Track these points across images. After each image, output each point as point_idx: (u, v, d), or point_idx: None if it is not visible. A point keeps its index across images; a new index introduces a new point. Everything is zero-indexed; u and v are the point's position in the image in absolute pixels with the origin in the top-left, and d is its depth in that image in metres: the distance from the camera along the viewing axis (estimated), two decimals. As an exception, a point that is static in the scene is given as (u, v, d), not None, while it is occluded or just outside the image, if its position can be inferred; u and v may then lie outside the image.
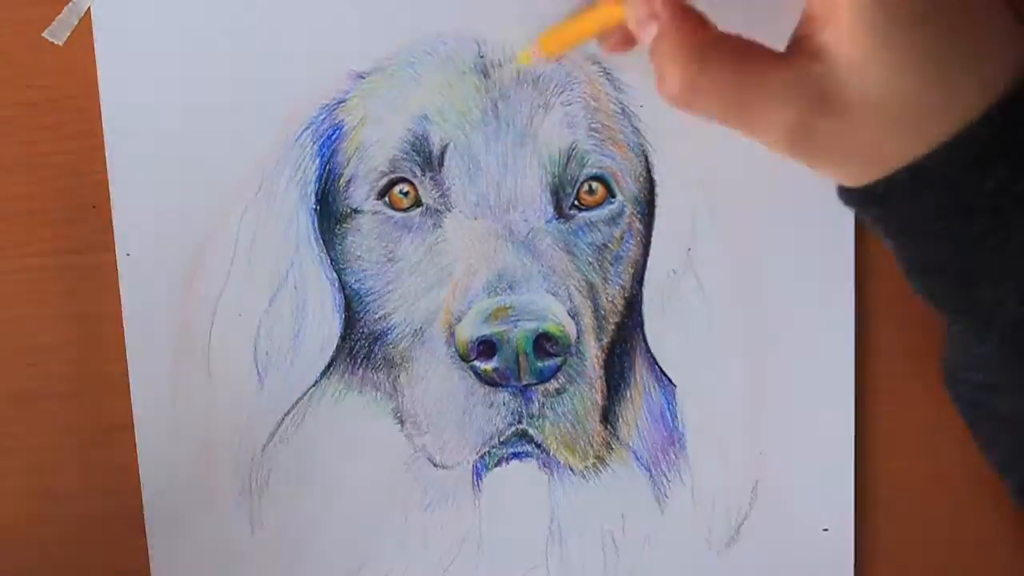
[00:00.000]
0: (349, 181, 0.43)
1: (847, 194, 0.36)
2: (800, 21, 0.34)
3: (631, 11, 0.35)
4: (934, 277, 0.35)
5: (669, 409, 0.45)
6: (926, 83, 0.32)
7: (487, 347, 0.42)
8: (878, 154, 0.33)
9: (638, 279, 0.44)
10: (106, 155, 0.43)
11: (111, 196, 0.43)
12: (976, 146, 0.32)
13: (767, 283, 0.44)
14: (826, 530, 0.45)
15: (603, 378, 0.44)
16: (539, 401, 0.43)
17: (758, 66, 0.33)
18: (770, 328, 0.44)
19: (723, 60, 0.33)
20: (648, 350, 0.44)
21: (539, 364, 0.42)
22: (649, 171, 0.44)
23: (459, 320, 0.42)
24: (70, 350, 0.44)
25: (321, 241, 0.44)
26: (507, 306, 0.42)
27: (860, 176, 0.35)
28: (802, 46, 0.33)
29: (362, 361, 0.44)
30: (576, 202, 0.43)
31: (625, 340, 0.44)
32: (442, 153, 0.43)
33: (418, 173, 0.43)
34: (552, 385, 0.43)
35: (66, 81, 0.43)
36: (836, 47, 0.32)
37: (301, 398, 0.44)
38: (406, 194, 0.43)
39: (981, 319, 0.35)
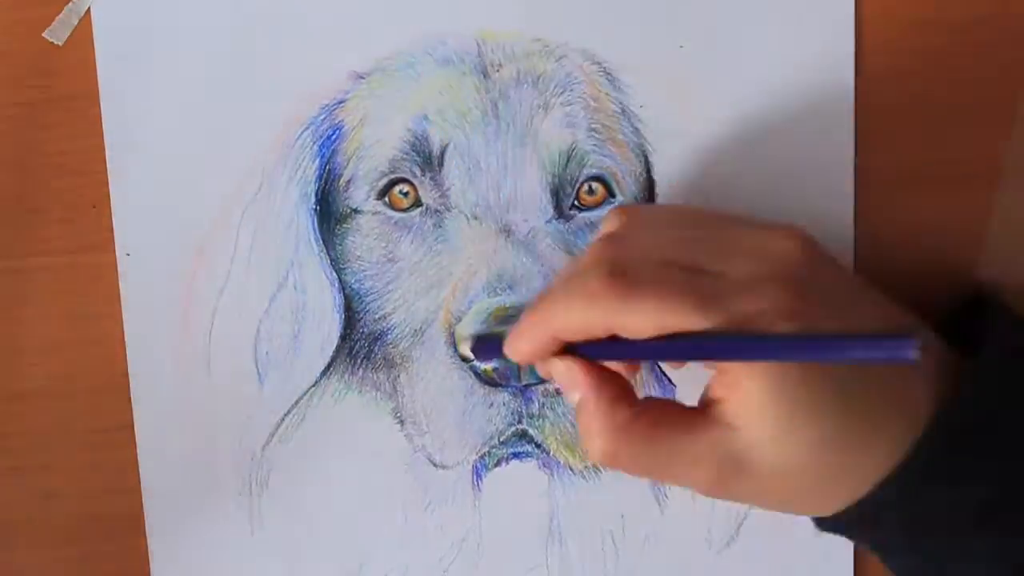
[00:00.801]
0: (349, 181, 0.43)
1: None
2: (710, 385, 0.35)
3: (555, 373, 0.36)
4: None
5: (669, 409, 0.45)
6: (828, 457, 0.34)
7: (487, 347, 0.42)
8: (799, 506, 0.37)
9: (638, 279, 0.44)
10: (106, 155, 0.43)
11: (111, 196, 0.43)
12: (875, 505, 0.35)
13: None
14: (826, 530, 0.45)
15: (603, 378, 0.44)
16: (539, 401, 0.43)
17: (674, 435, 0.35)
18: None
19: (640, 432, 0.35)
20: (648, 350, 0.44)
21: (539, 364, 0.42)
22: (649, 171, 0.44)
23: (459, 320, 0.42)
24: (70, 350, 0.44)
25: (321, 241, 0.44)
26: (507, 306, 0.42)
27: (793, 512, 0.38)
28: (713, 413, 0.35)
29: (362, 361, 0.44)
30: (576, 202, 0.43)
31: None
32: (442, 153, 0.43)
33: (418, 173, 0.43)
34: (552, 385, 0.43)
35: (66, 81, 0.43)
36: (745, 419, 0.34)
37: (301, 398, 0.44)
38: (406, 194, 0.43)
39: None
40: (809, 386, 0.33)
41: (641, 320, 0.33)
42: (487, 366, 0.42)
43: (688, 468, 0.35)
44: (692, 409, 0.36)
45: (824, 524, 0.37)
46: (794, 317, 0.32)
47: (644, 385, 0.45)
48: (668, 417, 0.35)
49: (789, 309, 0.32)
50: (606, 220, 0.38)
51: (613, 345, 0.35)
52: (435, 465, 0.44)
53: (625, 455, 0.35)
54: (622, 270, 0.34)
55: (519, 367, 0.42)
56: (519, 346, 0.36)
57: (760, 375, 0.33)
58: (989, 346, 0.36)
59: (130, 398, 0.44)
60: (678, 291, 0.33)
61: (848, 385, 0.33)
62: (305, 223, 0.44)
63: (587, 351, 0.36)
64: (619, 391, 0.36)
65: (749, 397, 0.33)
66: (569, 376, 0.36)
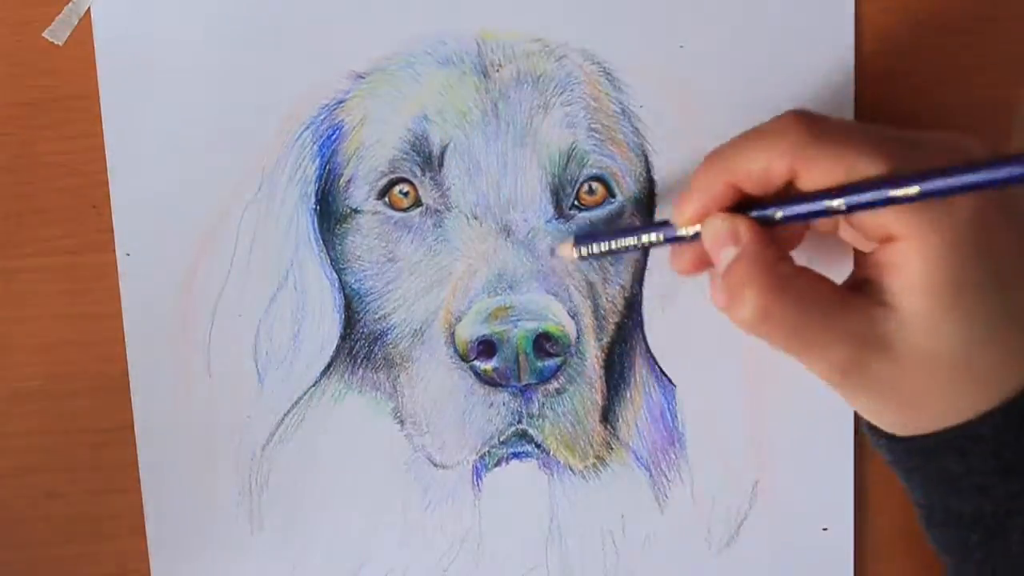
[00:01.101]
0: (349, 181, 0.43)
1: (888, 442, 0.36)
2: (864, 261, 0.35)
3: (710, 229, 0.35)
4: (961, 528, 0.36)
5: (669, 409, 0.45)
6: (985, 343, 0.33)
7: (487, 347, 0.42)
8: (927, 406, 0.34)
9: (638, 279, 0.44)
10: (106, 155, 0.43)
11: (111, 196, 0.43)
12: (1006, 416, 0.33)
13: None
14: (826, 530, 0.45)
15: (603, 378, 0.44)
16: (539, 401, 0.43)
17: (826, 306, 0.34)
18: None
19: (796, 296, 0.34)
20: (648, 350, 0.44)
21: (539, 364, 0.42)
22: (649, 171, 0.44)
23: (459, 320, 0.42)
24: (70, 350, 0.44)
25: (321, 241, 0.44)
26: (507, 306, 0.42)
27: (903, 426, 0.35)
28: (866, 288, 0.34)
29: (362, 361, 0.44)
30: (576, 202, 0.43)
31: (625, 340, 0.44)
32: (442, 153, 0.43)
33: (418, 173, 0.43)
34: (552, 385, 0.43)
35: (66, 81, 0.43)
36: (901, 297, 0.33)
37: (301, 398, 0.44)
38: (406, 194, 0.43)
39: (1005, 570, 0.35)
40: (977, 267, 0.32)
41: (830, 164, 0.32)
42: (487, 366, 0.42)
43: (831, 346, 0.33)
44: (845, 287, 0.35)
45: (899, 444, 0.36)
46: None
47: (644, 386, 0.45)
48: (825, 285, 0.34)
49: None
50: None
51: (790, 200, 0.34)
52: (435, 465, 0.44)
53: (778, 313, 0.34)
54: (815, 116, 0.33)
55: (519, 367, 0.42)
56: (694, 198, 0.35)
57: (926, 252, 0.32)
58: None
59: (130, 398, 0.44)
60: (870, 141, 0.32)
61: (1015, 280, 0.32)
62: (305, 223, 0.44)
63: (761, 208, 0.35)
64: (778, 250, 0.35)
65: (912, 274, 0.32)
66: (730, 228, 0.35)
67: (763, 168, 0.34)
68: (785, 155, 0.33)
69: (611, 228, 0.38)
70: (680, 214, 0.36)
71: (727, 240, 0.35)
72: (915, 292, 0.32)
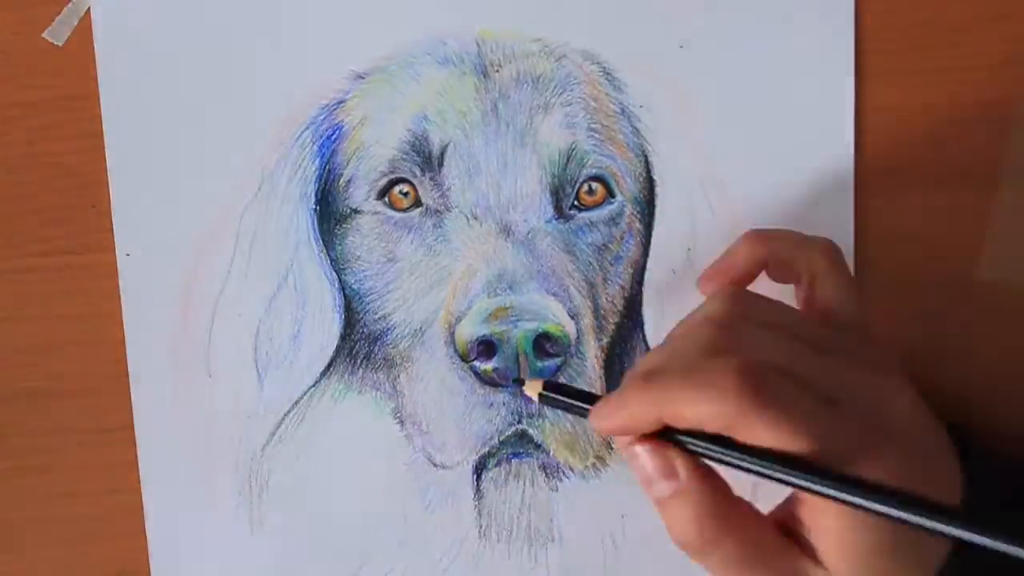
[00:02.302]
0: (349, 181, 0.43)
1: None
2: (789, 512, 0.35)
3: (641, 461, 0.35)
4: None
5: (669, 409, 0.45)
6: None
7: (487, 347, 0.42)
8: None
9: (638, 279, 0.44)
10: (106, 155, 0.43)
11: (111, 196, 0.43)
12: None
13: (766, 283, 0.44)
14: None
15: (603, 378, 0.44)
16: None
17: (765, 549, 0.35)
18: (770, 328, 0.44)
19: (738, 536, 0.34)
20: (648, 350, 0.44)
21: (539, 364, 0.42)
22: (649, 171, 0.44)
23: (459, 320, 0.42)
24: (70, 350, 0.44)
25: (321, 241, 0.44)
26: (507, 306, 0.42)
27: None
28: (800, 540, 0.35)
29: (362, 361, 0.44)
30: (576, 202, 0.43)
31: (625, 340, 0.44)
32: (442, 153, 0.43)
33: (418, 173, 0.43)
34: (552, 385, 0.43)
35: (66, 81, 0.43)
36: (827, 556, 0.34)
37: (301, 398, 0.44)
38: (406, 194, 0.43)
39: None
40: (894, 531, 0.33)
41: (765, 436, 0.32)
42: (487, 366, 0.42)
43: None
44: (779, 521, 0.36)
45: None
46: (903, 482, 0.32)
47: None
48: (764, 525, 0.35)
49: (902, 476, 0.33)
50: (711, 299, 0.36)
51: (714, 442, 0.34)
52: (435, 465, 0.44)
53: (729, 543, 0.34)
54: (758, 377, 0.33)
55: (519, 367, 0.42)
56: (617, 419, 0.34)
57: (844, 521, 0.33)
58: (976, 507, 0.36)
59: (130, 398, 0.44)
60: (809, 424, 0.32)
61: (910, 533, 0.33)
62: (305, 223, 0.44)
63: (683, 441, 0.34)
64: (720, 484, 0.35)
65: (833, 539, 0.33)
66: (666, 463, 0.34)
67: (697, 421, 0.33)
68: (719, 419, 0.33)
69: (579, 391, 0.38)
70: (607, 421, 0.35)
71: (660, 475, 0.35)
72: (838, 555, 0.34)
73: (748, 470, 0.33)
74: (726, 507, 0.35)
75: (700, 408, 0.33)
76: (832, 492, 0.32)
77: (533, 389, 0.38)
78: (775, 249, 0.39)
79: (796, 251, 0.39)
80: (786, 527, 0.35)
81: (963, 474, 0.36)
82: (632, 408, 0.34)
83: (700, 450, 0.34)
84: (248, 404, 0.44)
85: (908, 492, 0.31)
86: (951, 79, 0.43)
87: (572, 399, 0.37)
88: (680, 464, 0.34)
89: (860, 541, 0.33)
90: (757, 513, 0.36)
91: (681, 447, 0.34)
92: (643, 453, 0.35)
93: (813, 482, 0.32)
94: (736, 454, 0.33)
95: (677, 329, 0.36)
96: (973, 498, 0.35)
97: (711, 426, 0.33)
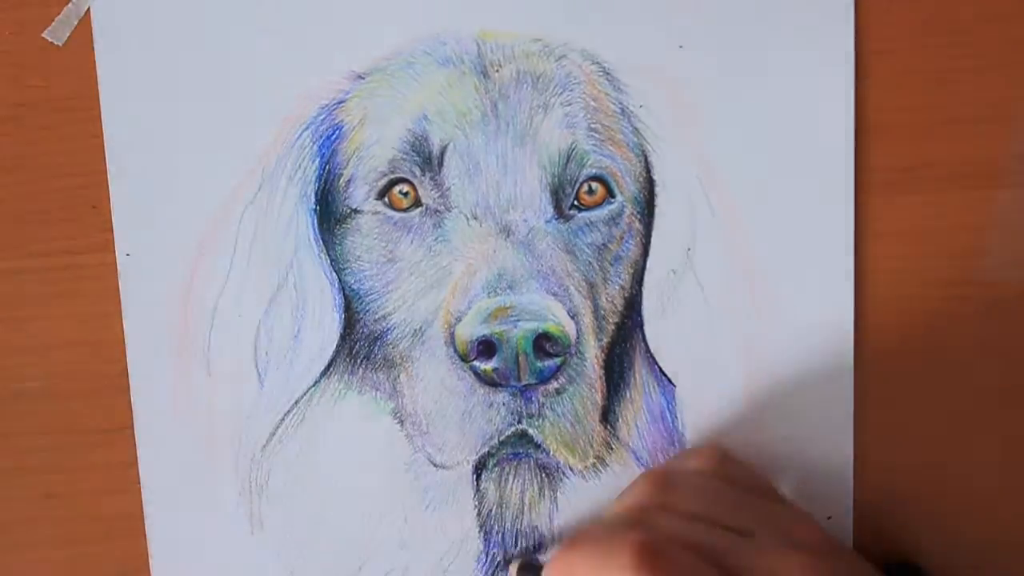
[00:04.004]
0: (349, 181, 0.43)
1: None
2: None
3: None
4: None
5: (669, 409, 0.45)
6: None
7: (487, 347, 0.42)
8: None
9: (638, 279, 0.44)
10: (106, 155, 0.43)
11: (111, 196, 0.43)
12: None
13: (767, 283, 0.44)
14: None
15: (603, 378, 0.44)
16: (539, 401, 0.43)
17: None
18: (770, 328, 0.44)
19: None
20: (648, 350, 0.44)
21: (539, 364, 0.42)
22: (649, 171, 0.44)
23: (459, 320, 0.42)
24: (70, 350, 0.44)
25: (321, 241, 0.44)
26: (507, 306, 0.42)
27: None
28: None
29: (362, 361, 0.44)
30: (576, 202, 0.43)
31: (625, 340, 0.44)
32: (442, 153, 0.43)
33: (418, 173, 0.43)
34: (552, 385, 0.43)
35: (66, 81, 0.43)
36: None
37: (301, 398, 0.44)
38: (406, 194, 0.43)
39: None
40: None
41: None
42: (487, 366, 0.42)
43: None
44: None
45: None
46: None
47: (644, 386, 0.45)
48: None
49: None
50: (638, 481, 0.39)
51: None
52: (435, 465, 0.44)
53: None
54: (655, 555, 0.34)
55: (519, 367, 0.42)
56: None
57: None
58: None
59: (130, 398, 0.44)
60: None
61: None
62: (305, 223, 0.44)
63: None
64: None
65: None
66: None
67: None
68: None
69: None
70: None
71: None
72: None
73: None
74: None
75: None
76: None
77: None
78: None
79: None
80: None
81: None
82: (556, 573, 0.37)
83: None
84: (248, 404, 0.44)
85: None
86: (951, 79, 0.43)
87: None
88: None
89: None
90: None
91: None
92: None
93: None
94: None
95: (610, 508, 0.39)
96: None
97: None
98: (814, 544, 0.37)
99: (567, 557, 0.36)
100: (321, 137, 0.43)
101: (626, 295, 0.44)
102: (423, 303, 0.43)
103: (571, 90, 0.43)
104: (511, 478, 0.45)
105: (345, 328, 0.44)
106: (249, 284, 0.44)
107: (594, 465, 0.45)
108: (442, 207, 0.43)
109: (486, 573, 0.45)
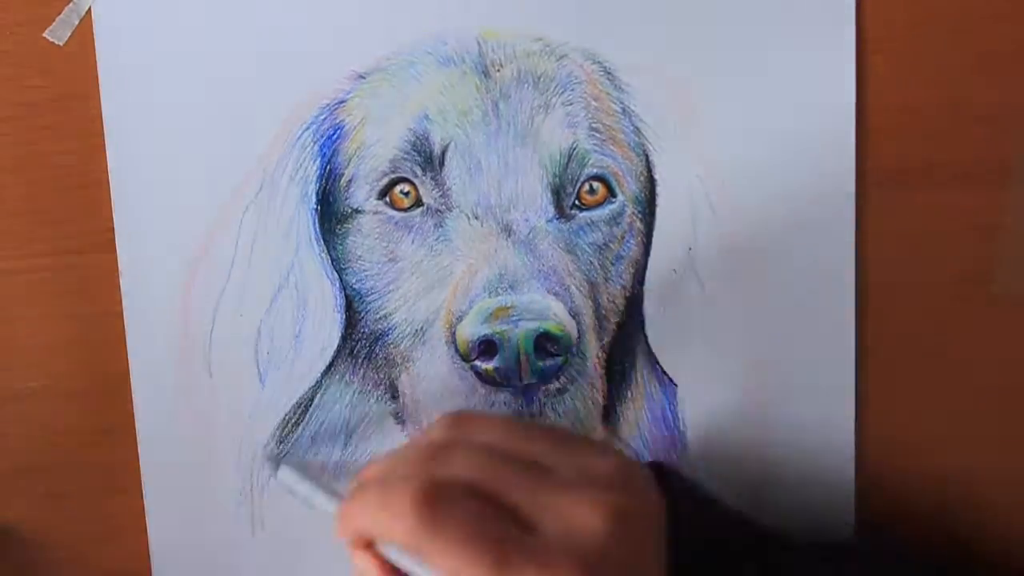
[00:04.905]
0: (350, 181, 0.43)
1: None
2: None
3: (355, 561, 0.35)
4: None
5: (670, 409, 0.45)
6: None
7: (488, 347, 0.42)
8: None
9: (639, 279, 0.44)
10: (106, 155, 0.43)
11: (111, 196, 0.43)
12: None
13: (767, 282, 0.44)
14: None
15: (604, 378, 0.44)
16: (540, 401, 0.43)
17: None
18: (770, 328, 0.44)
19: None
20: (649, 350, 0.44)
21: (540, 364, 0.42)
22: (650, 171, 0.44)
23: (460, 320, 0.42)
24: (70, 350, 0.44)
25: (322, 241, 0.44)
26: (508, 306, 0.42)
27: None
28: None
29: (363, 361, 0.44)
30: (577, 202, 0.43)
31: (626, 340, 0.44)
32: (443, 153, 0.43)
33: (419, 173, 0.43)
34: (553, 385, 0.43)
35: (66, 81, 0.43)
36: None
37: (302, 398, 0.44)
38: (407, 194, 0.43)
39: None
40: None
41: (440, 558, 0.32)
42: (488, 365, 0.42)
43: None
44: None
45: None
46: None
47: (645, 386, 0.45)
48: None
49: None
50: (434, 425, 0.37)
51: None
52: (436, 465, 0.44)
53: None
54: (435, 497, 0.33)
55: (520, 367, 0.42)
56: (341, 530, 0.36)
57: None
58: None
59: (130, 398, 0.44)
60: (480, 540, 0.32)
61: None
62: (306, 223, 0.44)
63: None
64: None
65: None
66: (365, 570, 0.35)
67: (386, 539, 0.34)
68: (403, 538, 0.33)
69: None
70: (339, 527, 0.36)
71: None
72: None
73: None
74: None
75: (383, 527, 0.33)
76: None
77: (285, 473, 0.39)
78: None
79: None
80: None
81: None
82: (341, 523, 0.35)
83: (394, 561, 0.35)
84: (249, 404, 0.44)
85: None
86: (951, 79, 0.43)
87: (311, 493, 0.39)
88: (374, 570, 0.35)
89: None
90: None
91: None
92: (354, 556, 0.35)
93: None
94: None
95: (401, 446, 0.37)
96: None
97: (402, 545, 0.33)
98: (611, 477, 0.35)
99: (349, 509, 0.35)
100: (322, 137, 0.43)
101: (627, 294, 0.44)
102: (424, 303, 0.43)
103: (572, 90, 0.43)
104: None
105: (346, 328, 0.44)
106: (250, 284, 0.43)
107: (595, 465, 0.45)
108: (443, 207, 0.43)
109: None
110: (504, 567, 0.32)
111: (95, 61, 0.42)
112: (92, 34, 0.42)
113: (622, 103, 0.43)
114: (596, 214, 0.44)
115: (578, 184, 0.43)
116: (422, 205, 0.43)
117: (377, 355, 0.44)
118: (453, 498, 0.33)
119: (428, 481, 0.33)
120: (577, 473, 0.35)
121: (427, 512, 0.33)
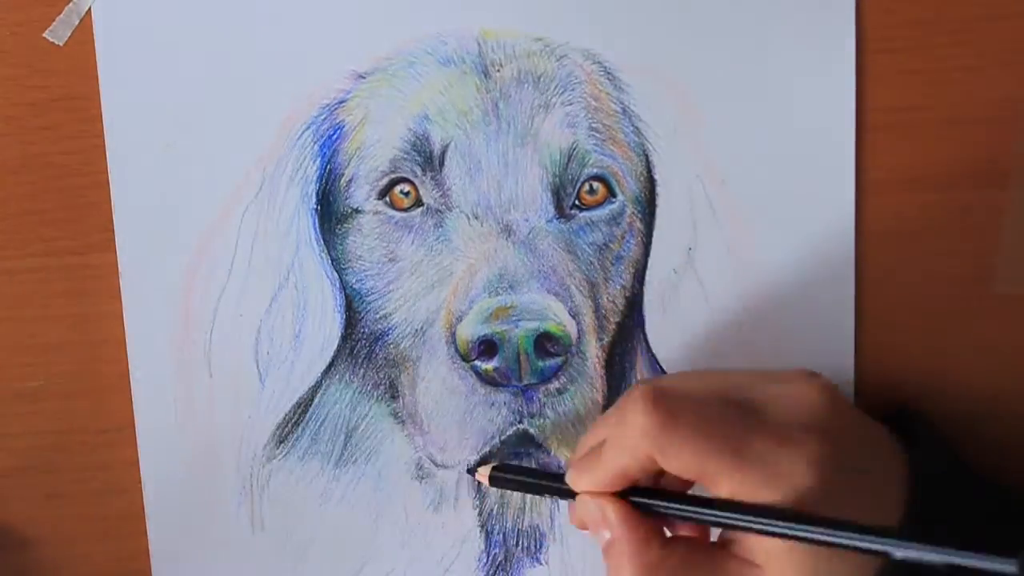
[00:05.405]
0: (350, 181, 0.43)
1: None
2: (735, 551, 0.36)
3: (581, 510, 0.37)
4: None
5: (670, 409, 0.45)
6: None
7: (488, 347, 0.42)
8: None
9: (639, 279, 0.44)
10: (106, 155, 0.43)
11: (111, 196, 0.43)
12: None
13: (767, 283, 0.44)
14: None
15: (604, 378, 0.44)
16: (540, 401, 0.43)
17: (701, 573, 0.36)
18: (770, 328, 0.44)
19: (669, 571, 0.36)
20: (649, 350, 0.44)
21: (540, 364, 0.42)
22: (650, 171, 0.44)
23: (460, 320, 0.42)
24: (70, 350, 0.44)
25: (322, 241, 0.44)
26: (508, 306, 0.42)
27: None
28: (737, 551, 0.36)
29: (363, 361, 0.44)
30: (577, 202, 0.43)
31: (626, 340, 0.44)
32: (443, 153, 0.43)
33: (419, 173, 0.43)
34: (553, 385, 0.43)
35: (66, 81, 0.43)
36: (767, 560, 0.35)
37: (302, 398, 0.44)
38: (407, 194, 0.43)
39: None
40: (832, 554, 0.34)
41: (680, 452, 0.34)
42: (488, 365, 0.42)
43: None
44: (716, 547, 0.37)
45: None
46: (825, 464, 0.34)
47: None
48: (695, 556, 0.37)
49: (819, 455, 0.34)
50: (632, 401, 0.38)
51: (666, 496, 0.36)
52: (436, 465, 0.44)
53: None
54: (663, 392, 0.35)
55: (520, 367, 0.42)
56: (580, 483, 0.38)
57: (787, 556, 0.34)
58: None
59: (130, 398, 0.44)
60: (717, 424, 0.34)
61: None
62: (306, 223, 0.44)
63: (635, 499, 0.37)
64: (649, 531, 0.36)
65: (773, 554, 0.34)
66: (600, 514, 0.37)
67: (622, 473, 0.36)
68: (641, 450, 0.35)
69: (530, 472, 0.43)
70: (573, 484, 0.38)
71: (598, 524, 0.37)
72: (778, 556, 0.35)
73: (688, 518, 0.36)
74: (657, 552, 0.36)
75: (622, 440, 0.35)
76: (768, 528, 0.33)
77: (482, 474, 0.43)
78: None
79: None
80: (732, 556, 0.36)
81: (908, 462, 0.37)
82: (584, 472, 0.37)
83: (642, 504, 0.37)
84: (249, 404, 0.44)
85: (839, 520, 0.32)
86: (951, 79, 0.43)
87: (520, 479, 0.41)
88: (613, 514, 0.36)
89: (801, 558, 0.34)
90: (694, 545, 0.37)
91: (631, 504, 0.37)
92: (583, 503, 0.37)
93: (749, 521, 0.34)
94: (675, 505, 0.36)
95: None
96: (916, 486, 0.36)
97: (646, 467, 0.35)
98: (821, 413, 0.36)
99: (585, 440, 0.38)
100: (322, 137, 0.43)
101: (627, 294, 0.44)
102: (424, 303, 0.43)
103: (572, 90, 0.43)
104: (512, 478, 0.45)
105: (346, 328, 0.44)
106: (250, 284, 0.44)
107: (595, 465, 0.45)
108: (443, 207, 0.43)
109: (487, 573, 0.45)
110: (744, 446, 0.34)
111: (95, 61, 0.42)
112: (92, 34, 0.42)
113: (622, 103, 0.43)
114: (596, 214, 0.44)
115: (578, 184, 0.43)
116: (422, 205, 0.43)
117: (377, 355, 0.44)
118: (683, 394, 0.35)
119: (655, 386, 0.35)
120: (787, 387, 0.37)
121: (662, 407, 0.34)
